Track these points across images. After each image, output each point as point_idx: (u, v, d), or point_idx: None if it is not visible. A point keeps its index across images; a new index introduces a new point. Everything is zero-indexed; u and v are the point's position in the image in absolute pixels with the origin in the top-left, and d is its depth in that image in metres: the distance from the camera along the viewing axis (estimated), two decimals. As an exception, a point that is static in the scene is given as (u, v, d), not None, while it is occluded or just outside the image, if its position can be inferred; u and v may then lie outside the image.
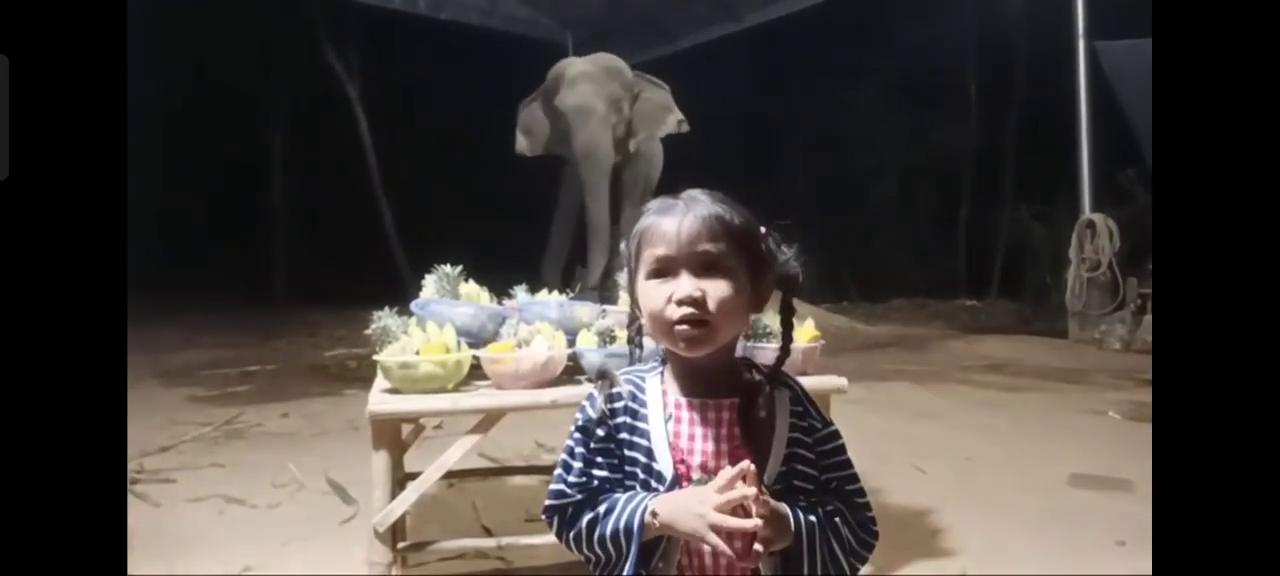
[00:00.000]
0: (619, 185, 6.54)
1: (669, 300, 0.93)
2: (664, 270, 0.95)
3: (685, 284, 0.93)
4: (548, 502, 1.01)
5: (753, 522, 0.88)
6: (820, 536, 0.94)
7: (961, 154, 13.22)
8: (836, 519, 0.97)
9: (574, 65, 6.42)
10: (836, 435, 1.03)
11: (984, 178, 12.99)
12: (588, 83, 6.23)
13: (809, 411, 1.01)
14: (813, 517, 0.95)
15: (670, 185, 1.03)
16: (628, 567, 0.93)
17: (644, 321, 1.00)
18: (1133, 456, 3.23)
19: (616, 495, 0.97)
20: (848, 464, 1.02)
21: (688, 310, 0.92)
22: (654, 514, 0.92)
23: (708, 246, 0.94)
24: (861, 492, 1.01)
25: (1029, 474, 3.26)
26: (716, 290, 0.93)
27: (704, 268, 0.94)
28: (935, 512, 2.78)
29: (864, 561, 1.00)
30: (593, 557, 0.98)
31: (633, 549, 0.93)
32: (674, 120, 6.56)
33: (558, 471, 1.01)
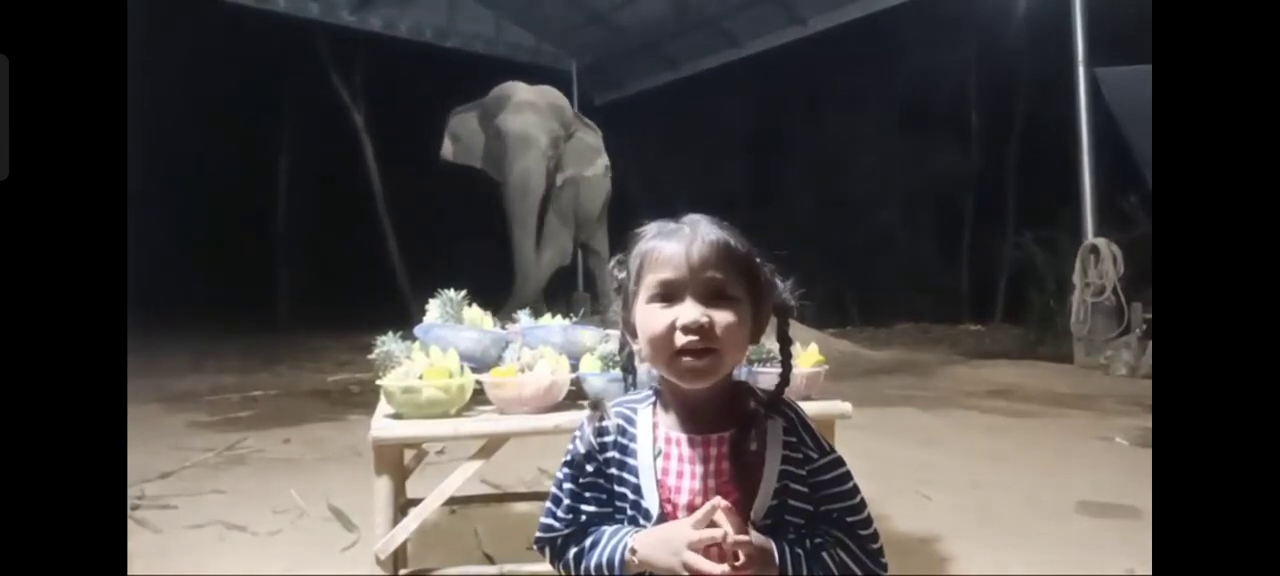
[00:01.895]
0: (542, 215, 6.74)
1: (673, 326, 0.90)
2: (668, 294, 0.92)
3: (691, 309, 0.90)
4: (537, 535, 1.02)
5: (722, 568, 0.87)
6: (807, 568, 0.92)
7: (963, 179, 13.26)
8: (825, 552, 0.93)
9: (520, 90, 6.61)
10: (838, 463, 0.99)
11: (986, 202, 13.03)
12: (532, 113, 6.40)
13: (804, 441, 0.97)
14: (799, 550, 0.92)
15: (673, 213, 1.01)
16: None
17: (642, 349, 0.96)
18: (1141, 483, 3.19)
19: (603, 528, 0.97)
20: (851, 493, 0.98)
21: (693, 338, 0.89)
22: (633, 550, 0.93)
23: (714, 272, 0.91)
24: (866, 523, 0.97)
25: (1036, 501, 3.22)
26: (722, 318, 0.90)
27: (710, 295, 0.91)
28: (941, 540, 2.75)
29: None
30: None
31: None
32: (601, 164, 6.81)
33: (547, 504, 1.01)
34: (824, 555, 0.93)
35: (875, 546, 0.97)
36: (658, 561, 0.91)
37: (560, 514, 1.00)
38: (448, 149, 6.94)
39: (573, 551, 0.98)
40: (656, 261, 0.93)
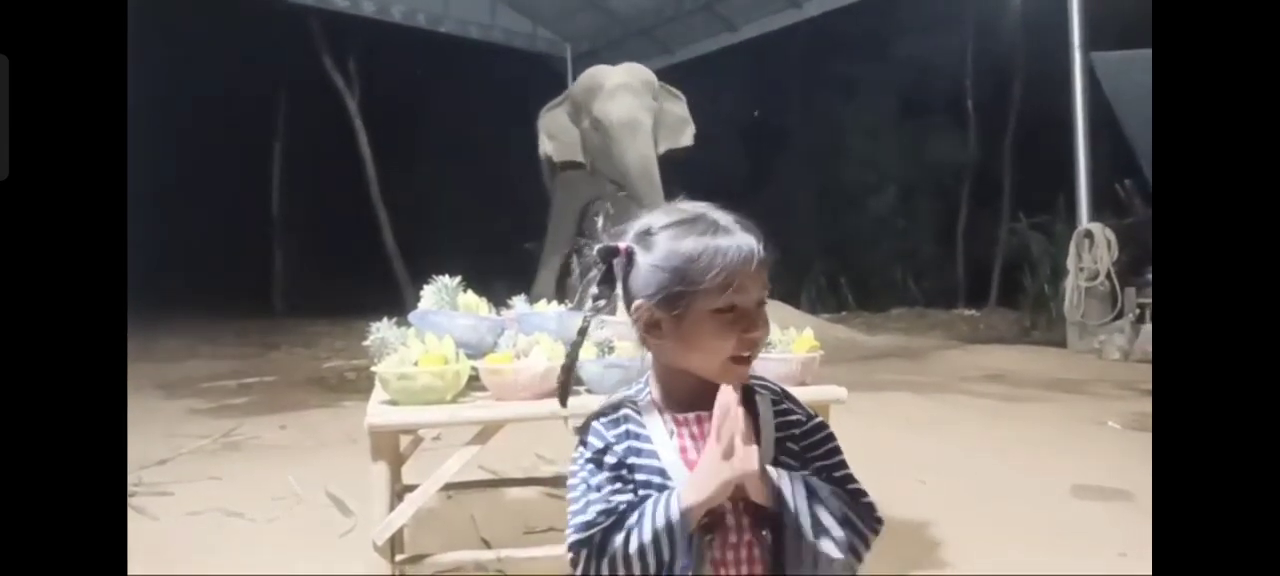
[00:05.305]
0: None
1: (737, 338, 0.92)
2: (734, 307, 0.92)
3: (759, 325, 0.93)
4: (574, 537, 0.95)
5: (753, 449, 0.89)
6: (803, 492, 0.93)
7: (959, 165, 13.26)
8: (817, 486, 0.95)
9: (611, 75, 6.31)
10: (823, 425, 1.02)
11: (982, 188, 13.02)
12: (629, 95, 6.07)
13: (792, 408, 1.02)
14: (793, 478, 0.94)
15: (674, 192, 1.01)
16: (679, 566, 0.90)
17: (671, 346, 0.95)
18: (1134, 466, 3.22)
19: (636, 510, 0.93)
20: (837, 452, 1.01)
21: (750, 351, 0.93)
22: (686, 509, 0.90)
23: (766, 285, 0.94)
24: (852, 478, 1.00)
25: (1030, 484, 3.25)
26: (765, 325, 0.94)
27: (759, 303, 0.94)
28: (936, 524, 2.77)
29: (866, 542, 0.96)
30: None
31: (680, 543, 0.89)
32: (690, 133, 6.49)
33: (576, 507, 0.96)
34: (812, 485, 0.95)
35: (866, 501, 0.98)
36: (714, 495, 0.90)
37: (597, 508, 0.94)
38: (547, 146, 6.63)
39: (617, 540, 0.92)
40: (724, 270, 0.90)
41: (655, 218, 0.96)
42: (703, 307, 0.91)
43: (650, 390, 1.00)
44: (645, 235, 0.95)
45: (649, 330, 0.95)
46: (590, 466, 0.96)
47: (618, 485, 0.95)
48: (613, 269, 0.97)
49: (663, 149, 6.27)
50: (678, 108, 6.45)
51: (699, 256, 0.90)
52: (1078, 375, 6.06)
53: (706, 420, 0.95)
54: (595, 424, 0.99)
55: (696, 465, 0.93)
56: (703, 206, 0.96)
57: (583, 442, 0.99)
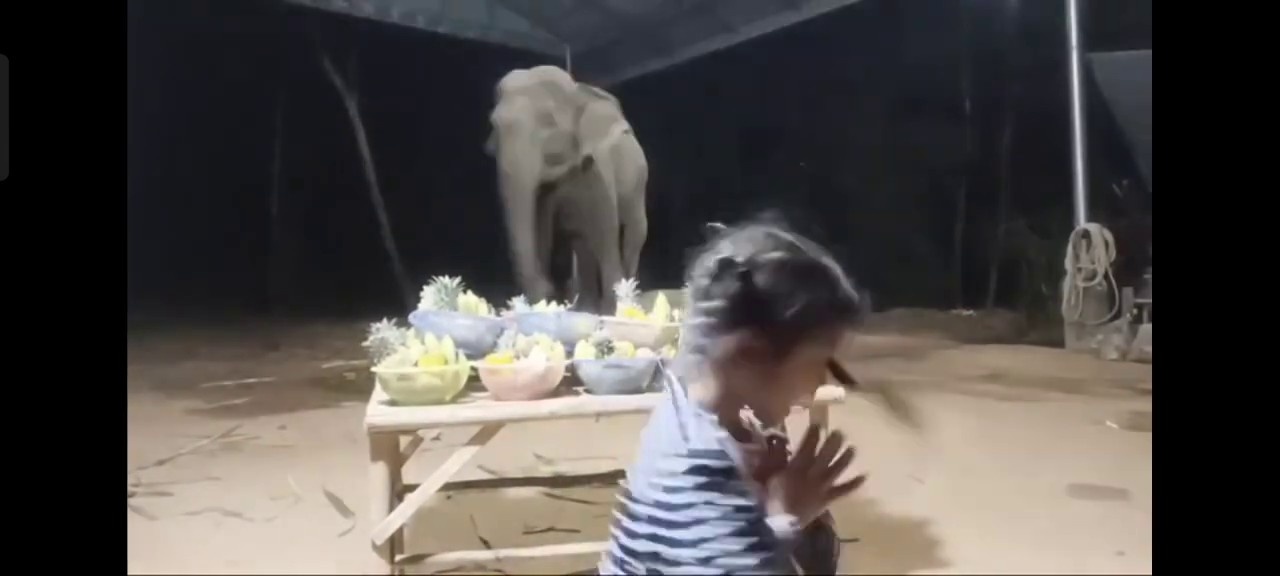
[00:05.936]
0: (547, 203, 6.44)
1: (815, 386, 0.93)
2: (829, 360, 0.93)
3: (827, 375, 0.95)
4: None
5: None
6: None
7: (957, 165, 13.27)
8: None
9: (514, 79, 6.39)
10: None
11: (980, 188, 13.03)
12: (522, 97, 6.14)
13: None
14: None
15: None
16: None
17: (740, 381, 0.88)
18: (1131, 466, 3.23)
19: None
20: None
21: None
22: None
23: None
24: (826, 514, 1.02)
25: (1027, 484, 3.26)
26: None
27: None
28: (933, 523, 2.78)
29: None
30: None
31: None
32: (618, 130, 6.54)
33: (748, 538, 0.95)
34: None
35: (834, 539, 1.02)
36: (807, 511, 0.93)
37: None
38: (490, 144, 6.79)
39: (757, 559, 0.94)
40: (839, 331, 0.91)
41: (770, 249, 0.89)
42: (808, 355, 0.90)
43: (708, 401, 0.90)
44: (764, 259, 0.87)
45: (743, 356, 0.87)
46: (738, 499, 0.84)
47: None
48: (726, 283, 0.86)
49: (594, 144, 6.33)
50: (603, 107, 6.50)
51: (828, 309, 0.89)
52: (1075, 374, 6.07)
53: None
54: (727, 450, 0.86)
55: (791, 487, 0.92)
56: (814, 246, 0.93)
57: (716, 471, 0.83)
